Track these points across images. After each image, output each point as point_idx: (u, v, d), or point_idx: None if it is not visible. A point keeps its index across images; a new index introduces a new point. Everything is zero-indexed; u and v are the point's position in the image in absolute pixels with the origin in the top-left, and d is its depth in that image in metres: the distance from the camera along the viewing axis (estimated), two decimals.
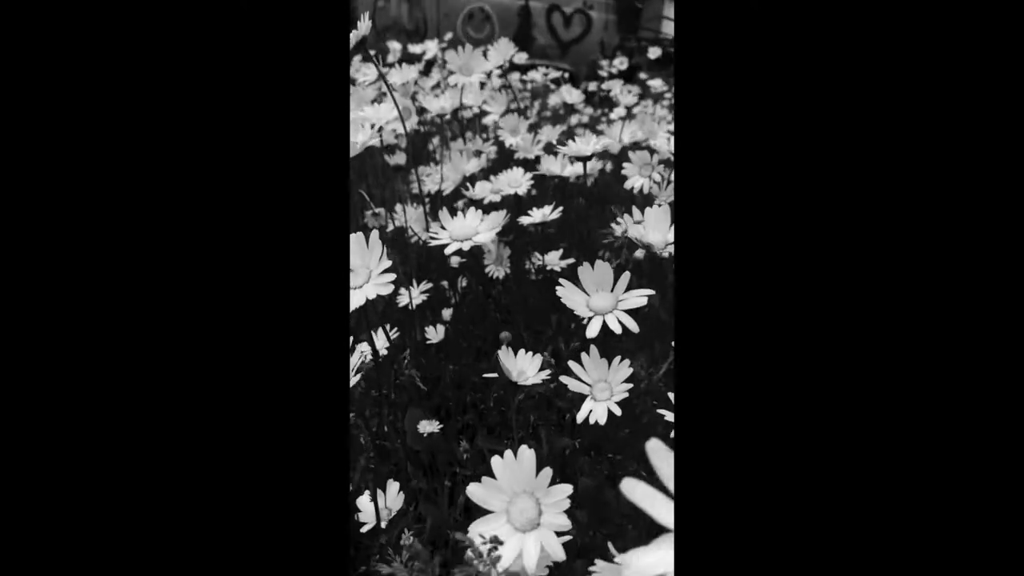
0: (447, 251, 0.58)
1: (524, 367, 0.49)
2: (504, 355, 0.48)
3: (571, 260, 0.78)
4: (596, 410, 0.40)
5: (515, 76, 1.24)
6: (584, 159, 0.70)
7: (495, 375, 0.48)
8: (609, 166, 1.06)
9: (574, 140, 0.70)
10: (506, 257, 0.80)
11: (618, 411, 0.40)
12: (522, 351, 0.49)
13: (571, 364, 0.41)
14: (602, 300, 0.41)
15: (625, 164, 0.72)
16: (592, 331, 0.40)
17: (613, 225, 0.75)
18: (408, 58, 1.53)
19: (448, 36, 1.89)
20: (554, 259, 0.79)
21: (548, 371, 0.49)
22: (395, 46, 1.60)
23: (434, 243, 0.59)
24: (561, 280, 0.42)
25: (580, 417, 0.40)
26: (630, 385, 0.40)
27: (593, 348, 0.41)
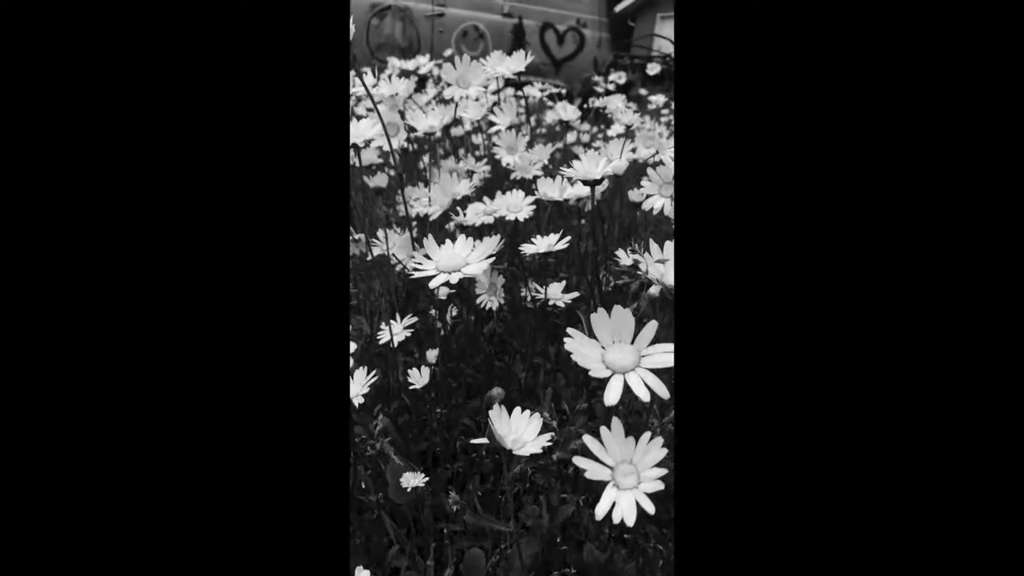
0: (432, 284, 0.50)
1: (520, 431, 0.40)
2: (496, 418, 0.39)
3: (576, 294, 0.70)
4: (620, 502, 0.30)
5: (508, 92, 1.17)
6: (593, 183, 0.61)
7: (486, 440, 0.40)
8: (607, 182, 0.98)
9: (578, 159, 0.61)
10: (500, 287, 0.72)
11: (650, 507, 0.30)
12: (517, 410, 0.41)
13: (587, 440, 0.32)
14: (622, 355, 0.32)
15: (644, 182, 0.63)
16: (612, 397, 0.30)
17: (618, 255, 0.66)
18: (402, 74, 1.46)
19: (447, 53, 1.82)
20: (556, 292, 0.70)
21: (549, 436, 0.40)
22: (395, 62, 1.53)
23: (418, 275, 0.51)
24: (569, 330, 0.33)
25: (600, 512, 0.31)
26: (663, 471, 0.31)
27: (616, 422, 0.32)
